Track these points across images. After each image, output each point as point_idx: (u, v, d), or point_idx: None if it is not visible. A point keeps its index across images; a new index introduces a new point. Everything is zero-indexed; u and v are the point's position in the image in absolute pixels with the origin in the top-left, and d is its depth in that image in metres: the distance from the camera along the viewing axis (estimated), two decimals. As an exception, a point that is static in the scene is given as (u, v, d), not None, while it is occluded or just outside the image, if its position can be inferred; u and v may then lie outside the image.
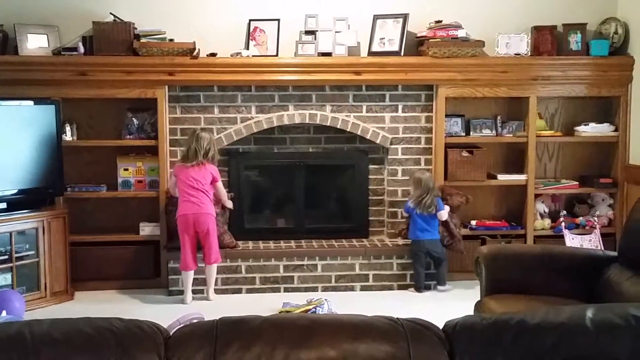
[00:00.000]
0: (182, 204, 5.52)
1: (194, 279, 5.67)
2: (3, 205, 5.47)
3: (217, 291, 5.78)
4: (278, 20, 5.99)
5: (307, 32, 6.02)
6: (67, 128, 5.91)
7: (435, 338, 2.07)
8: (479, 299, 4.23)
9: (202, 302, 5.67)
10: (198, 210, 5.49)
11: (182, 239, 5.54)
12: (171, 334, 2.09)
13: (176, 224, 5.58)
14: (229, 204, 5.84)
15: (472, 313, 4.08)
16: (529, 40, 6.10)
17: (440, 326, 2.16)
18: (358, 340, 2.02)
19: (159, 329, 2.08)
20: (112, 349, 1.96)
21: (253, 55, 5.92)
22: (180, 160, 5.68)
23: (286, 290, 5.90)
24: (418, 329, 2.09)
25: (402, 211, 6.06)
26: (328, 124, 6.09)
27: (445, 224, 5.93)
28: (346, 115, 6.09)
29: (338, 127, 6.09)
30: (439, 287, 5.91)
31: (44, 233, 5.55)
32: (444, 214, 5.87)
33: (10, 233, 5.41)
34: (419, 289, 5.88)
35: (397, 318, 2.14)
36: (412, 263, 5.91)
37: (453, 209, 6.00)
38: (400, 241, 6.11)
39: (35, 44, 5.80)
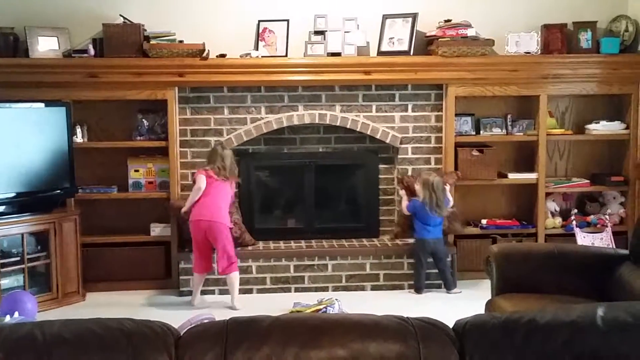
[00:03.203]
0: (197, 208, 5.48)
1: (205, 279, 5.68)
2: (15, 207, 5.50)
3: (228, 291, 5.78)
4: (287, 20, 5.99)
5: (316, 33, 6.02)
6: (78, 130, 5.94)
7: (446, 337, 2.07)
8: (489, 298, 4.22)
9: (211, 302, 5.67)
10: (212, 218, 5.44)
11: (194, 242, 5.54)
12: (182, 334, 2.10)
13: (189, 227, 5.58)
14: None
15: (482, 312, 4.07)
16: (539, 39, 6.08)
17: (451, 325, 2.16)
18: (368, 339, 2.02)
19: (169, 329, 2.09)
20: (123, 350, 1.97)
21: (262, 56, 5.92)
22: (206, 167, 5.58)
23: (297, 290, 5.90)
24: (428, 328, 2.09)
25: (403, 209, 5.96)
26: (338, 124, 6.09)
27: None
28: (356, 115, 6.09)
29: (348, 127, 6.09)
30: (452, 291, 5.85)
31: (55, 234, 5.58)
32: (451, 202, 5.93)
33: (22, 235, 5.44)
34: (418, 289, 5.85)
35: (407, 317, 2.14)
36: (414, 264, 5.88)
37: (450, 187, 6.00)
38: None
39: (45, 46, 5.82)
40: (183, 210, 5.59)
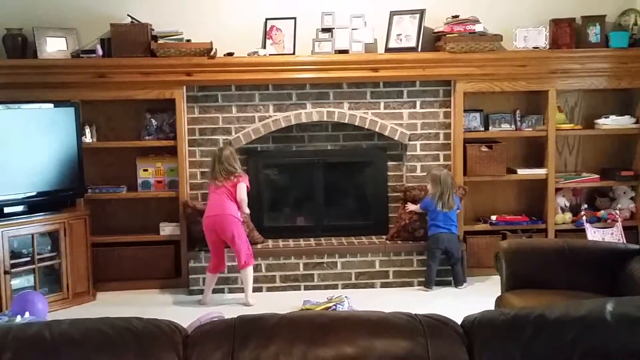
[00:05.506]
0: (206, 208, 5.57)
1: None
2: (25, 208, 5.52)
3: (237, 290, 5.78)
4: (294, 18, 5.99)
5: (324, 30, 6.01)
6: (87, 130, 5.95)
7: (454, 333, 2.07)
8: (499, 294, 4.21)
9: (222, 301, 5.67)
10: (219, 212, 5.46)
11: (207, 241, 5.58)
12: (190, 333, 2.10)
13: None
14: (246, 210, 5.62)
15: (492, 308, 4.06)
16: (548, 34, 6.05)
17: (460, 322, 2.15)
18: (376, 336, 2.02)
19: (177, 328, 2.10)
20: (132, 349, 1.98)
21: (270, 54, 5.92)
22: (209, 179, 5.66)
23: (306, 288, 5.89)
24: (436, 325, 2.08)
25: (417, 209, 5.96)
26: (346, 122, 6.08)
27: None
28: (364, 112, 6.08)
29: (356, 124, 6.08)
30: (459, 286, 5.84)
31: (65, 234, 5.59)
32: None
33: (32, 235, 5.46)
34: (428, 284, 5.83)
35: (416, 314, 2.14)
36: (427, 259, 5.86)
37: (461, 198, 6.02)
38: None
39: (54, 47, 5.84)
40: None
